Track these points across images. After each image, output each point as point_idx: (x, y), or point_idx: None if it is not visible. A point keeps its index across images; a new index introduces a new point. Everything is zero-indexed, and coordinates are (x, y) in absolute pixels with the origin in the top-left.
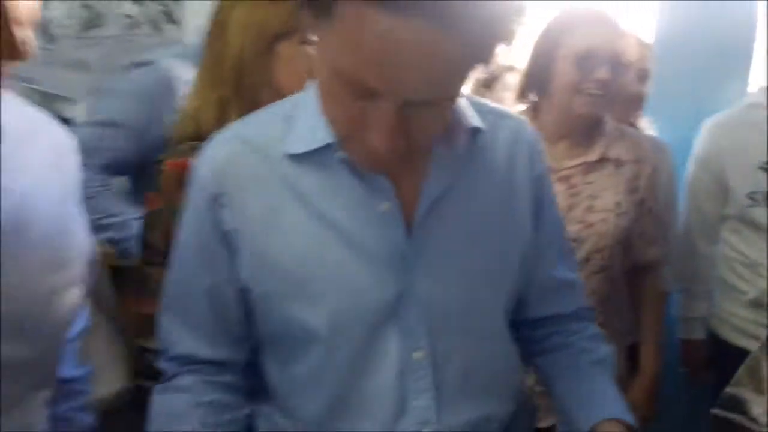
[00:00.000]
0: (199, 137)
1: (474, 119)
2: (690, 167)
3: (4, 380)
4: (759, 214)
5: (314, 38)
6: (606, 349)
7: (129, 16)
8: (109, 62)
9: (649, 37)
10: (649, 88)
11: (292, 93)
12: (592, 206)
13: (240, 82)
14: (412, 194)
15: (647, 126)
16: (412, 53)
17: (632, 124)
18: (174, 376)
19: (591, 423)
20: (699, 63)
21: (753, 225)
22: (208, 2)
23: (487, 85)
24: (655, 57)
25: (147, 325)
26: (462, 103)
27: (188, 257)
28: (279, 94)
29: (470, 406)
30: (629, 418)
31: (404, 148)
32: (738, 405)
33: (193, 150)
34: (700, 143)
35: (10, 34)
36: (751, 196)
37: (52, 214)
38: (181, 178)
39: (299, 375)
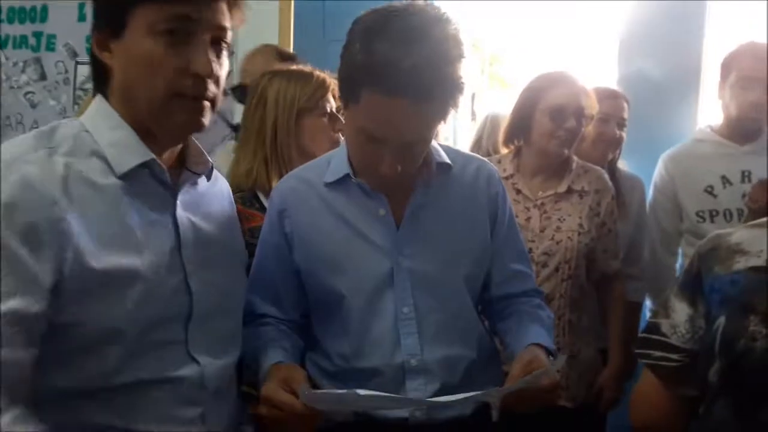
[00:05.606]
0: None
1: (445, 158)
2: (651, 192)
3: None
4: (706, 228)
5: (342, 112)
6: (543, 313)
7: None
8: None
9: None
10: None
11: (315, 155)
12: (560, 227)
13: (275, 146)
14: (401, 205)
15: (623, 166)
16: (400, 117)
17: (611, 163)
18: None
19: (520, 347)
20: (654, 106)
21: (703, 238)
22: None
23: None
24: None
25: None
26: (438, 148)
27: (264, 251)
28: (306, 156)
29: (443, 347)
30: (548, 343)
31: (399, 174)
32: (654, 327)
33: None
34: (657, 172)
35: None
36: (699, 214)
37: (233, 224)
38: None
39: (332, 328)
